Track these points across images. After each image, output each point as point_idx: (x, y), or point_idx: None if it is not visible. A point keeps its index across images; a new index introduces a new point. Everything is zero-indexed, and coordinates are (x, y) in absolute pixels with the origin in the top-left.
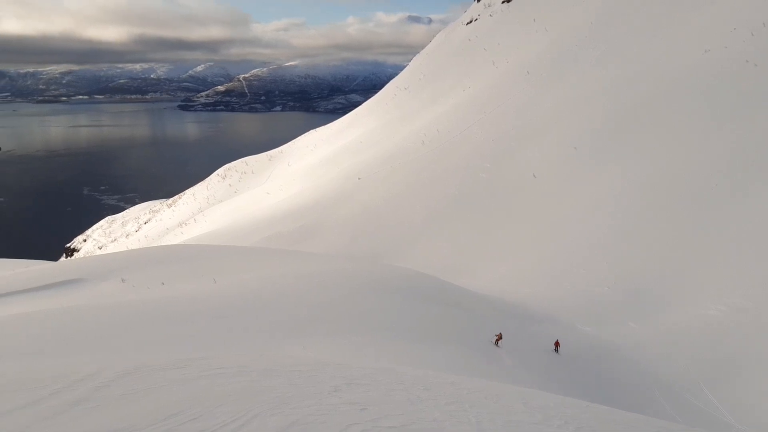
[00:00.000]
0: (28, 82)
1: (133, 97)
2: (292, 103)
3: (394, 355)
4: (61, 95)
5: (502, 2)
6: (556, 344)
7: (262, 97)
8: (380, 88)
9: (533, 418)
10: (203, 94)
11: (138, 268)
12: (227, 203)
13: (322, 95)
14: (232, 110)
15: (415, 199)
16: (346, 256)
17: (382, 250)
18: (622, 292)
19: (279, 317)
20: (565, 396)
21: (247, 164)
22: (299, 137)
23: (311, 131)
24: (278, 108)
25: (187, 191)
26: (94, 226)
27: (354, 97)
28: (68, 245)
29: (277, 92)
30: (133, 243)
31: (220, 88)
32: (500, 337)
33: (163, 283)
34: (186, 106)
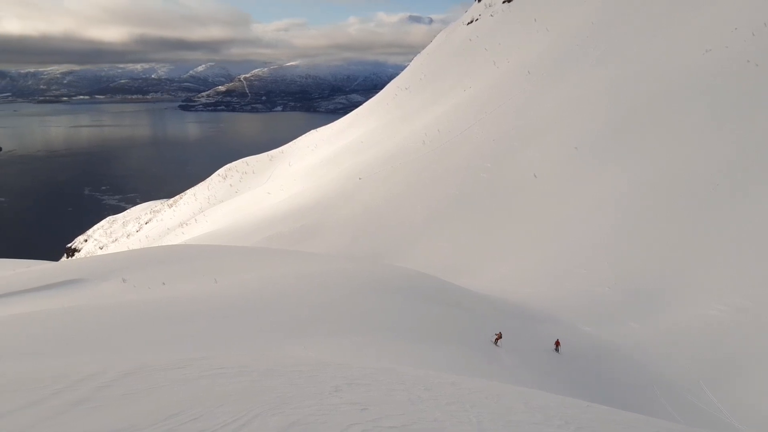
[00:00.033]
0: (29, 83)
1: (134, 97)
2: (293, 103)
3: (395, 355)
4: (62, 95)
5: (503, 2)
6: (557, 344)
7: (263, 97)
8: (381, 88)
9: (534, 418)
10: (204, 94)
11: (139, 269)
12: (228, 203)
13: (323, 95)
14: (233, 110)
15: (416, 199)
16: (347, 256)
17: (383, 250)
18: (623, 292)
19: (280, 317)
20: (565, 396)
21: (247, 164)
22: (300, 137)
23: (312, 131)
24: (279, 108)
25: (187, 191)
26: (95, 227)
27: (355, 97)
28: (69, 245)
29: (278, 92)
30: (134, 243)
31: (221, 88)
32: (500, 336)
33: (164, 284)
34: (187, 106)
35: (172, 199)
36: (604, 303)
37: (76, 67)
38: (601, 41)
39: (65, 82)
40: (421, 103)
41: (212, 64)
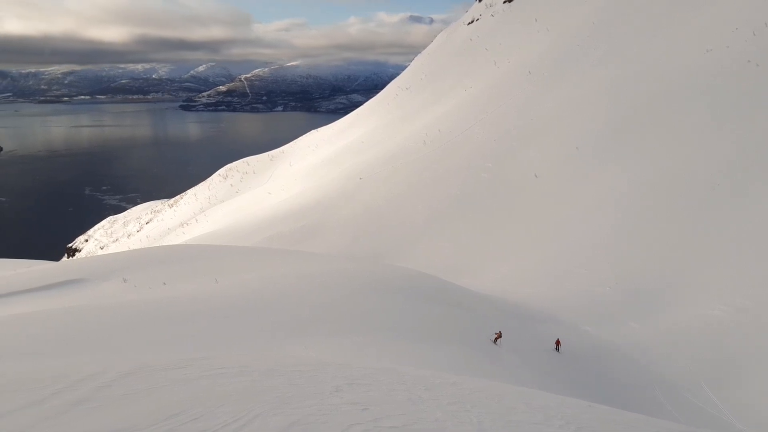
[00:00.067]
0: (30, 83)
1: (135, 97)
2: (293, 103)
3: (396, 355)
4: (63, 95)
5: (504, 2)
6: (557, 343)
7: (264, 97)
8: (382, 88)
9: (535, 418)
10: (205, 94)
11: (139, 268)
12: (229, 203)
13: (323, 95)
14: (234, 110)
15: (417, 199)
16: (347, 256)
17: (384, 250)
18: (624, 292)
19: (281, 317)
20: (566, 396)
21: (248, 164)
22: (301, 137)
23: (313, 131)
24: (280, 108)
25: (188, 191)
26: (96, 226)
27: (355, 97)
28: (70, 245)
29: (278, 92)
30: (135, 243)
31: (222, 88)
32: (499, 335)
33: (164, 283)
34: (188, 106)
35: (173, 199)
36: (604, 303)
37: (77, 68)
38: (602, 41)
39: (66, 82)
40: (421, 103)
41: (213, 64)
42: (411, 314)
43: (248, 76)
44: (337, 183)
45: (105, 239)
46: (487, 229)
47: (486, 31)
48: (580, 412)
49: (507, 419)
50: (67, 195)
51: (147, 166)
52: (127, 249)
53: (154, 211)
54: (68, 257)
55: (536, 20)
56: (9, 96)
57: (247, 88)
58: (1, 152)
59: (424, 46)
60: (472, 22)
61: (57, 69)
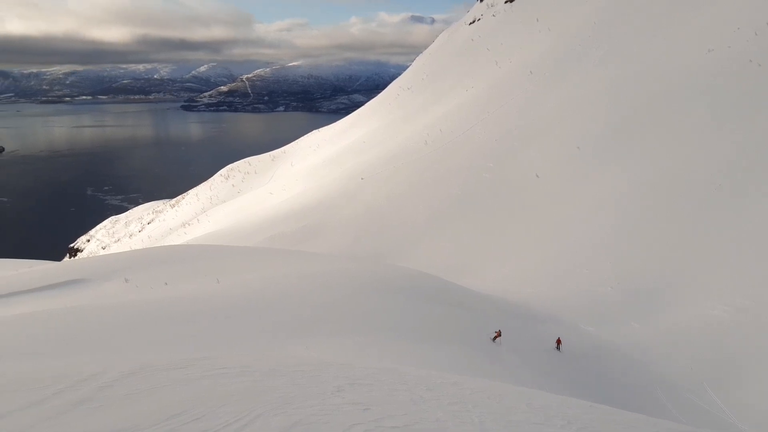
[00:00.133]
0: (32, 83)
1: (137, 97)
2: (295, 104)
3: (398, 355)
4: (65, 96)
5: (505, 2)
6: (558, 342)
7: (265, 98)
8: (383, 88)
9: (536, 418)
10: (206, 94)
11: (141, 269)
12: (230, 203)
13: (325, 95)
14: (235, 110)
15: (418, 199)
16: (349, 257)
17: (385, 250)
18: (625, 292)
19: (282, 317)
20: (567, 396)
21: (250, 164)
22: (302, 137)
23: (314, 131)
24: (281, 108)
25: (190, 191)
26: (98, 227)
27: (357, 97)
28: (72, 245)
29: (280, 92)
30: (137, 243)
31: (223, 88)
32: (499, 333)
33: (166, 284)
34: (189, 107)
35: (175, 199)
36: (605, 303)
37: (78, 68)
38: (603, 41)
39: (68, 82)
40: (423, 103)
41: (214, 64)
42: (412, 314)
43: (250, 76)
44: (339, 183)
45: (107, 239)
46: (488, 229)
47: (487, 31)
48: (581, 412)
49: (508, 419)
50: (69, 195)
51: (149, 167)
52: (128, 249)
53: (156, 212)
54: (70, 257)
55: (537, 20)
56: (11, 96)
57: (249, 89)
58: (3, 152)
59: (425, 46)
60: (474, 22)
61: (59, 69)
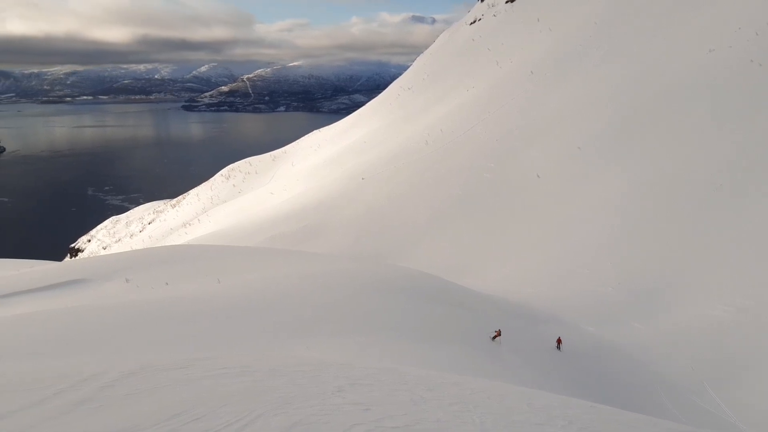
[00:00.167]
0: (33, 83)
1: (137, 97)
2: (295, 104)
3: (398, 355)
4: (66, 96)
5: (506, 2)
6: (558, 341)
7: (266, 98)
8: (384, 89)
9: (537, 418)
10: (207, 94)
11: (142, 269)
12: (231, 203)
13: (325, 95)
14: (236, 111)
15: (419, 199)
16: (350, 257)
17: (386, 250)
18: (626, 292)
19: (283, 317)
20: (568, 396)
21: (250, 165)
22: (303, 137)
23: (315, 131)
24: (282, 108)
25: (191, 191)
26: (99, 227)
27: (358, 97)
28: (72, 245)
29: (280, 92)
30: (137, 243)
31: (224, 88)
32: (499, 333)
33: (167, 284)
34: (190, 107)
35: (175, 199)
36: (606, 303)
37: (79, 68)
38: (604, 41)
39: (69, 82)
40: (423, 103)
41: (215, 64)
42: (413, 314)
43: (250, 76)
44: (340, 183)
45: (107, 239)
46: (489, 229)
47: (488, 31)
48: (582, 412)
49: (509, 419)
50: (70, 195)
51: (149, 167)
52: (129, 249)
53: (157, 212)
54: (71, 257)
55: (538, 20)
56: (12, 96)
57: (250, 89)
58: (4, 153)
59: (426, 46)
60: (475, 22)
61: (59, 69)
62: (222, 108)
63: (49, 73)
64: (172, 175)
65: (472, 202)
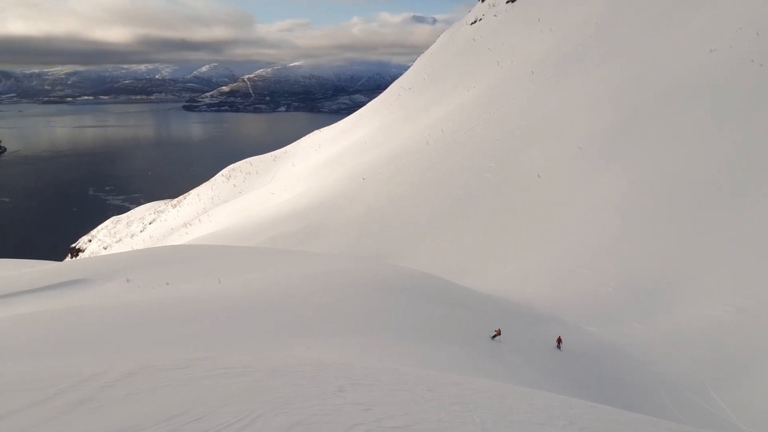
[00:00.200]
0: (34, 83)
1: (138, 97)
2: (296, 104)
3: (399, 355)
4: (67, 96)
5: (507, 2)
6: (558, 341)
7: (267, 98)
8: (384, 89)
9: (537, 418)
10: (208, 94)
11: (143, 269)
12: (232, 204)
13: (326, 95)
14: (237, 111)
15: (420, 199)
16: (350, 257)
17: (387, 250)
18: (627, 292)
19: (284, 317)
20: (569, 396)
21: (251, 165)
22: (303, 138)
23: (315, 131)
24: (282, 108)
25: (191, 192)
26: (99, 227)
27: (358, 97)
28: (73, 245)
29: (281, 93)
30: (138, 243)
31: (225, 88)
32: (498, 332)
33: (167, 284)
34: (191, 107)
35: (176, 199)
36: (607, 303)
37: (80, 68)
38: (605, 41)
39: (69, 82)
40: (424, 103)
41: (216, 64)
42: (414, 314)
43: (251, 76)
44: (340, 183)
45: (108, 239)
46: (490, 230)
47: (489, 31)
48: (582, 412)
49: (510, 419)
50: (71, 195)
51: (150, 167)
52: (130, 249)
53: (158, 212)
54: (71, 257)
55: (539, 20)
56: (13, 96)
57: (250, 89)
58: (5, 153)
59: (426, 46)
60: (475, 22)
61: (60, 69)
62: (223, 108)
63: (50, 74)
64: (173, 175)
65: (473, 202)
